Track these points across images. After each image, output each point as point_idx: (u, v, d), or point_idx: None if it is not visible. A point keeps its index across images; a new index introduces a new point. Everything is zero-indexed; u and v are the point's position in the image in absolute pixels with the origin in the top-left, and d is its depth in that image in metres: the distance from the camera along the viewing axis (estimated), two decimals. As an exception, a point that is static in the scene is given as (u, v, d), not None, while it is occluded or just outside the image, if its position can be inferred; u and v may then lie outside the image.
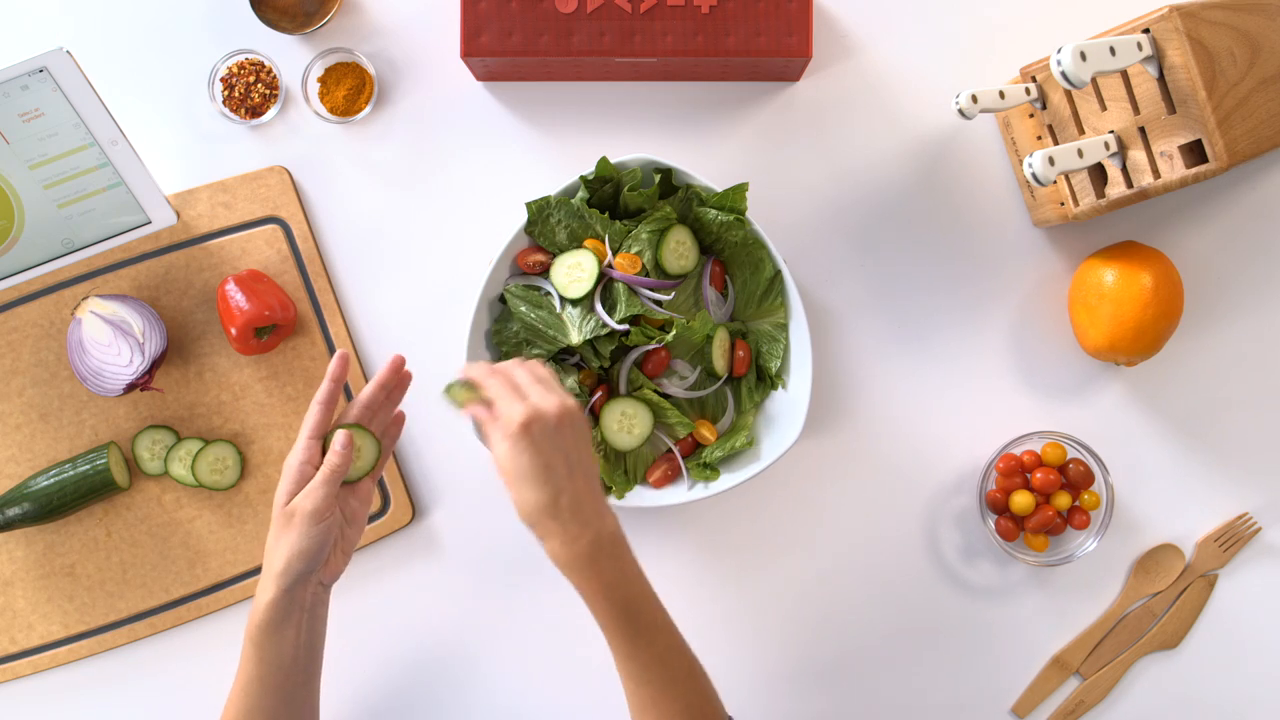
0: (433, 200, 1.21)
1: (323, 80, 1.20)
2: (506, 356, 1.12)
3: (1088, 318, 1.14)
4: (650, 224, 1.09)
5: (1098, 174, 1.10)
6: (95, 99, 1.07)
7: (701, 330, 1.10)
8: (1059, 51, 0.97)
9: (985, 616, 1.20)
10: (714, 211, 1.10)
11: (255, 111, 1.19)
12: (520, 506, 0.93)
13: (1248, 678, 1.20)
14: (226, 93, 1.19)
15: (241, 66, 1.19)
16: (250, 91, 1.19)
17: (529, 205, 1.09)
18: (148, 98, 1.20)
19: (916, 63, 1.20)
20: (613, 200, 1.12)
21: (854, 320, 1.20)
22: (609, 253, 1.10)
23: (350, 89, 1.19)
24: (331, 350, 1.19)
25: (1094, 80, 1.05)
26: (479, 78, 1.19)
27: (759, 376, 1.14)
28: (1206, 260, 1.20)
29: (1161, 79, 1.02)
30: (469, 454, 1.20)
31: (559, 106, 1.21)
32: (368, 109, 1.19)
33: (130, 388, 1.14)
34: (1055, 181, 1.11)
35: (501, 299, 1.11)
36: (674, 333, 1.09)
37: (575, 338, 1.09)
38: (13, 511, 1.14)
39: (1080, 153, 1.04)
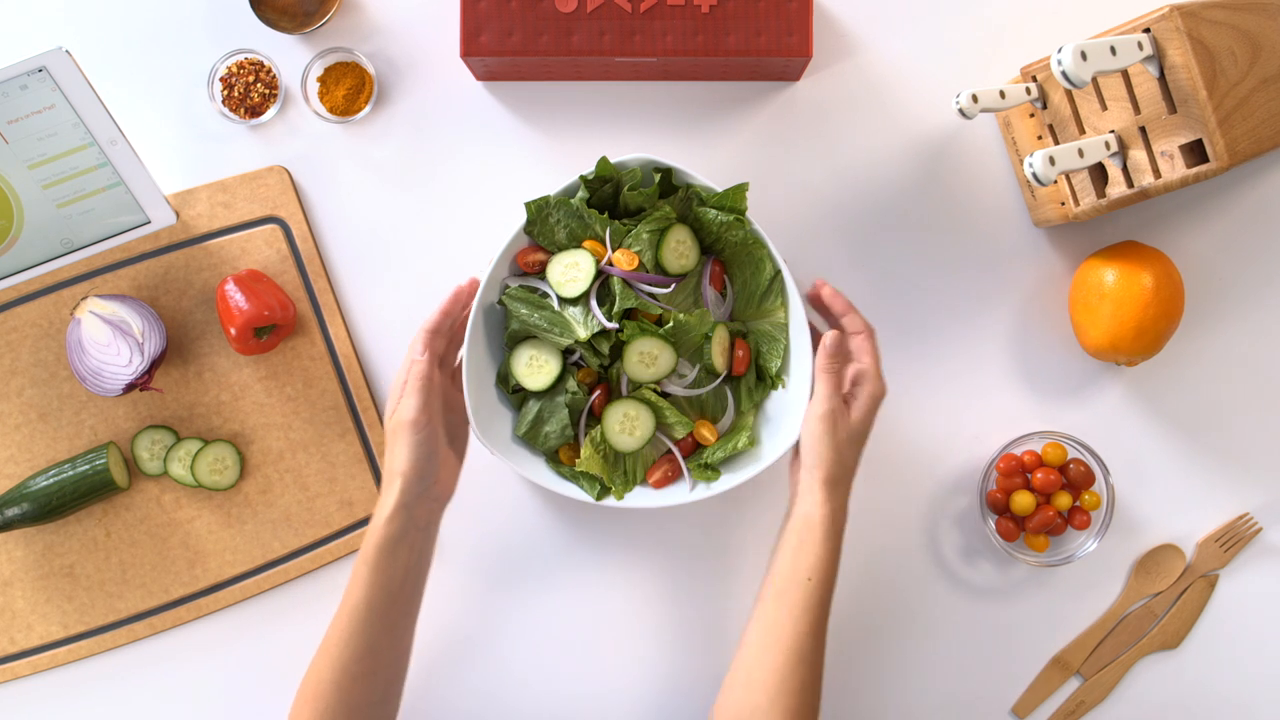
0: (432, 200, 1.21)
1: (322, 80, 1.20)
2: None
3: (1088, 317, 1.14)
4: (650, 223, 1.09)
5: (1098, 174, 1.10)
6: (94, 98, 1.07)
7: (700, 327, 1.10)
8: (1060, 51, 0.97)
9: (986, 617, 1.20)
10: (714, 211, 1.10)
11: (255, 111, 1.19)
12: (843, 466, 1.03)
13: (1249, 678, 1.20)
14: (226, 92, 1.19)
15: (241, 66, 1.19)
16: (250, 91, 1.19)
17: (528, 205, 1.09)
18: (147, 97, 1.20)
19: (917, 62, 1.20)
20: (612, 200, 1.11)
21: (854, 320, 1.20)
22: (608, 250, 1.10)
23: (350, 88, 1.19)
24: (332, 350, 1.19)
25: (1094, 80, 1.05)
26: (479, 77, 1.19)
27: (759, 376, 1.14)
28: (1207, 260, 1.20)
29: (1162, 78, 1.02)
30: (469, 454, 1.20)
31: (559, 106, 1.21)
32: (367, 108, 1.19)
33: (129, 388, 1.14)
34: (1056, 181, 1.11)
35: (500, 303, 1.11)
36: (670, 325, 1.09)
37: (582, 333, 1.09)
38: (12, 512, 1.14)
39: (1081, 152, 1.03)
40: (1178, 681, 1.20)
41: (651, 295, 1.10)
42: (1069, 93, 1.09)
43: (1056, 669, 1.20)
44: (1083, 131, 1.09)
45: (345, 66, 1.19)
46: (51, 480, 1.15)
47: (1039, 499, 1.18)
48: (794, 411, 1.09)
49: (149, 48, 1.21)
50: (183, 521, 1.19)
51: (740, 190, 1.09)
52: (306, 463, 1.19)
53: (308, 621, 1.20)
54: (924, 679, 1.20)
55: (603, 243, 1.10)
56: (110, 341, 1.13)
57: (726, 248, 1.12)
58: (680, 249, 1.11)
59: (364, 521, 1.19)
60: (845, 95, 1.20)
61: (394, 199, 1.21)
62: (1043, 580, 1.21)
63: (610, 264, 1.09)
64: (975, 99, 1.04)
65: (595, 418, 1.12)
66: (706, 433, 1.12)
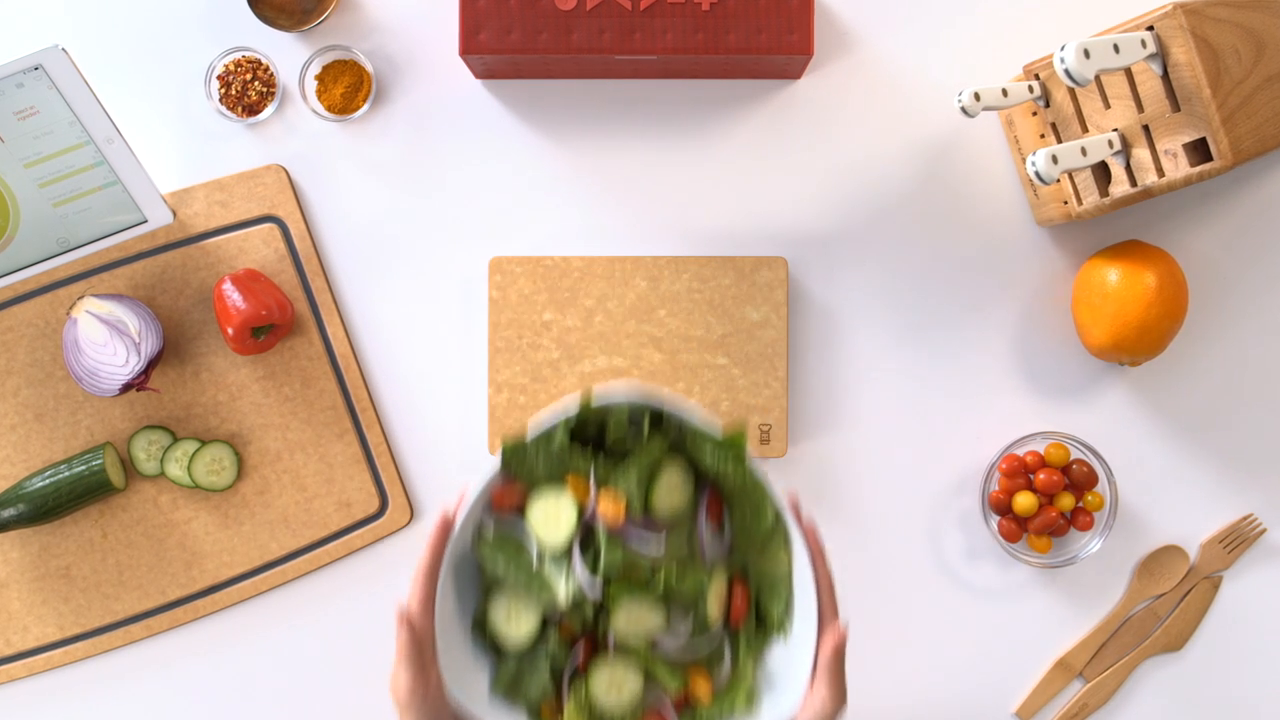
0: (431, 199, 1.20)
1: (320, 78, 1.19)
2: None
3: (1091, 317, 1.14)
4: (640, 459, 0.96)
5: (1101, 172, 1.09)
6: (91, 97, 1.06)
7: (694, 587, 0.97)
8: (1062, 49, 0.96)
9: (988, 618, 1.20)
10: (711, 447, 0.97)
11: (252, 109, 1.19)
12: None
13: (1253, 680, 1.20)
14: (223, 90, 1.19)
15: (238, 64, 1.18)
16: (247, 89, 1.18)
17: (505, 448, 0.95)
18: (144, 96, 1.20)
19: (918, 60, 1.20)
20: (598, 431, 0.99)
21: (855, 320, 1.20)
22: (592, 490, 0.97)
23: (348, 87, 1.18)
24: (330, 350, 1.19)
25: (1098, 78, 1.05)
26: (478, 75, 1.19)
27: (759, 621, 1.00)
28: (1211, 259, 1.20)
29: (1165, 77, 1.02)
30: (468, 454, 1.19)
31: (558, 104, 1.20)
32: (365, 107, 1.19)
33: (126, 388, 1.13)
34: (1058, 180, 1.11)
35: (475, 550, 0.98)
36: (661, 582, 0.96)
37: (563, 599, 0.95)
38: (7, 513, 1.14)
39: (1084, 151, 1.03)
40: (1181, 684, 1.20)
41: (640, 546, 0.98)
42: (1072, 91, 1.08)
43: (1059, 671, 1.19)
44: (1086, 130, 1.09)
45: (343, 64, 1.19)
46: (47, 481, 1.14)
47: (1041, 500, 1.17)
48: (796, 669, 0.97)
49: (146, 46, 1.20)
50: (180, 522, 1.18)
51: (739, 436, 0.96)
52: (304, 463, 1.18)
53: (306, 623, 1.19)
54: (926, 681, 1.20)
55: (586, 478, 0.98)
56: (107, 341, 1.13)
57: (724, 485, 0.99)
58: (672, 493, 0.98)
59: (363, 523, 1.19)
60: (846, 93, 1.20)
61: (392, 198, 1.20)
62: (1045, 582, 1.20)
63: (594, 514, 0.96)
64: (977, 97, 1.03)
65: (579, 671, 0.99)
66: (701, 691, 0.99)
